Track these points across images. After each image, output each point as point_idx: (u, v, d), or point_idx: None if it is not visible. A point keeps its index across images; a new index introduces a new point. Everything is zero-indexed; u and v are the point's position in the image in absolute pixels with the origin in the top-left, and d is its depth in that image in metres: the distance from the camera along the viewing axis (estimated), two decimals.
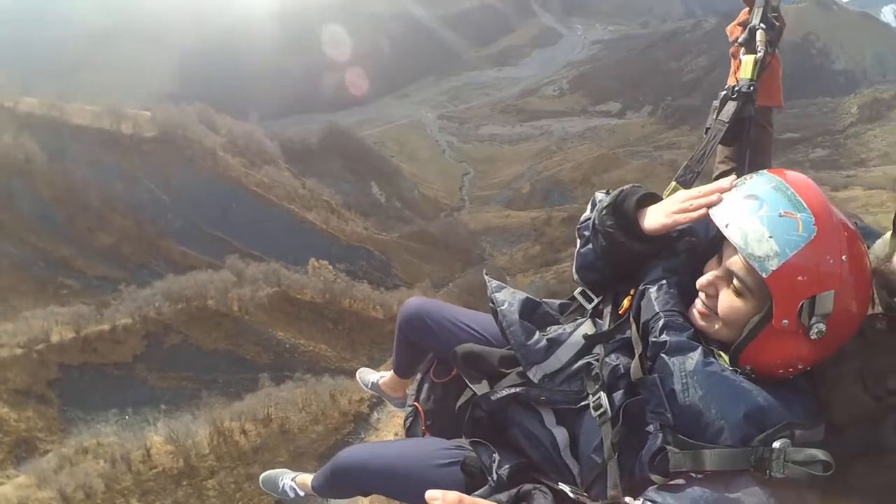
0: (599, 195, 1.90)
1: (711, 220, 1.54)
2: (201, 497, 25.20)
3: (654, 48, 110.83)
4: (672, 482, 1.42)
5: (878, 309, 1.55)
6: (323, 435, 29.73)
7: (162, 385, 34.09)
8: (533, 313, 1.93)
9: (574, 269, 1.93)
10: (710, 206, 1.56)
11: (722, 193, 1.56)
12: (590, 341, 1.75)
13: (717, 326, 1.55)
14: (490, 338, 2.14)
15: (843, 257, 1.39)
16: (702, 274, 1.60)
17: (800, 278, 1.37)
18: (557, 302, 2.03)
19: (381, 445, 2.40)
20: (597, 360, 1.69)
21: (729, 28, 2.27)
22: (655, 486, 1.45)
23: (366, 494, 2.37)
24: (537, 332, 1.82)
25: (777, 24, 2.11)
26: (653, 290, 1.65)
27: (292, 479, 2.99)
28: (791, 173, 1.51)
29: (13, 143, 47.00)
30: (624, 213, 1.74)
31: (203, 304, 37.92)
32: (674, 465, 1.42)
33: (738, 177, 1.63)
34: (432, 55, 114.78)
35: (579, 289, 1.95)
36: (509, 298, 1.92)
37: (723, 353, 1.54)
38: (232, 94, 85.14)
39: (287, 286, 42.31)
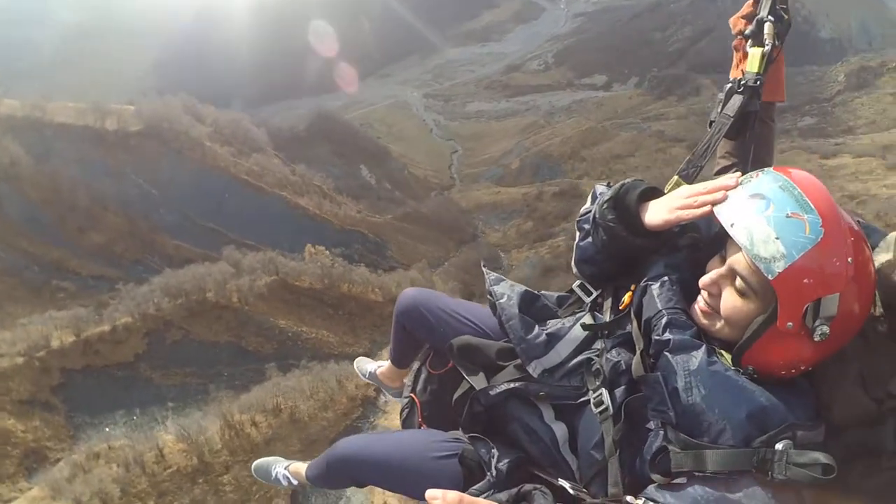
0: (600, 188, 1.90)
1: (716, 217, 1.53)
2: (218, 493, 25.12)
3: (639, 19, 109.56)
4: (673, 481, 1.43)
5: (879, 310, 1.54)
6: (333, 421, 29.80)
7: (167, 382, 33.87)
8: (531, 306, 1.93)
9: (573, 262, 1.92)
10: (714, 203, 1.55)
11: (727, 191, 1.54)
12: (590, 331, 1.76)
13: (718, 325, 1.55)
14: (487, 330, 2.15)
15: (849, 259, 1.38)
16: (704, 271, 1.60)
17: (806, 281, 1.37)
18: (556, 295, 2.03)
19: (378, 436, 2.44)
20: (597, 356, 1.70)
21: (732, 20, 2.22)
22: (656, 484, 1.47)
23: (361, 485, 2.37)
24: (537, 326, 1.83)
25: (786, 16, 2.07)
26: (655, 286, 1.65)
27: (285, 468, 3.00)
28: (797, 172, 1.49)
29: None
30: (626, 207, 1.72)
31: (202, 297, 37.62)
32: (675, 465, 1.44)
33: (741, 173, 1.63)
34: (414, 34, 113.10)
35: (578, 282, 1.94)
36: (508, 291, 1.92)
37: (724, 353, 1.54)
38: (213, 83, 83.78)
39: (285, 274, 42.12)
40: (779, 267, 1.37)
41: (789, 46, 2.17)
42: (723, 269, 1.53)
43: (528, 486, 1.61)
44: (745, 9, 2.18)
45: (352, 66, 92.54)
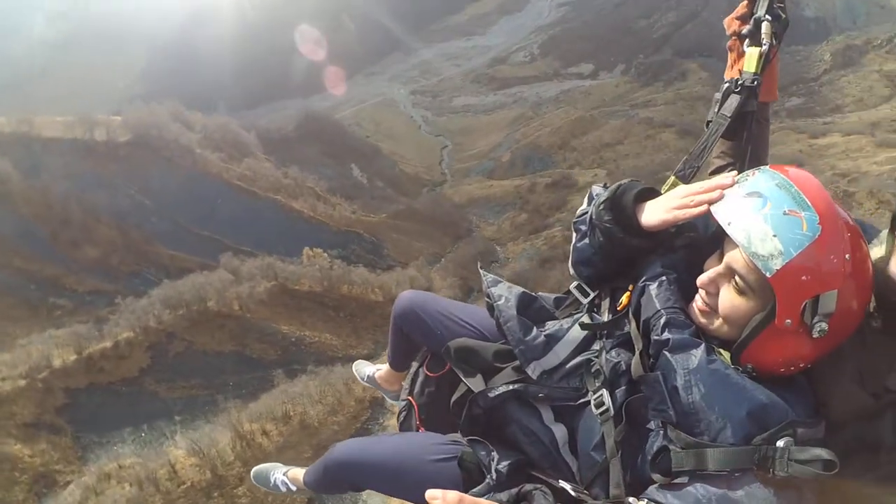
0: (597, 189, 1.88)
1: (713, 216, 1.52)
2: None
3: (623, 6, 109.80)
4: (674, 481, 1.43)
5: (873, 305, 1.56)
6: (344, 425, 29.74)
7: (173, 395, 33.46)
8: (529, 308, 1.92)
9: (570, 264, 1.92)
10: (711, 202, 1.55)
11: (723, 190, 1.54)
12: (588, 331, 1.75)
13: (716, 324, 1.55)
14: (484, 332, 2.14)
15: (847, 256, 1.39)
16: (701, 270, 1.59)
17: (804, 278, 1.37)
18: (553, 296, 2.01)
19: (375, 440, 2.43)
20: (596, 357, 1.69)
21: (726, 21, 2.22)
22: (657, 485, 1.46)
23: (359, 490, 2.36)
24: (535, 328, 1.82)
25: (783, 16, 2.07)
26: (653, 286, 1.65)
27: (284, 474, 2.98)
28: (793, 170, 1.50)
29: None
30: (622, 208, 1.72)
31: (203, 306, 37.42)
32: (676, 464, 1.43)
33: (737, 172, 1.64)
34: (397, 30, 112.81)
35: (575, 283, 1.94)
36: (506, 293, 1.91)
37: (723, 351, 1.54)
38: (198, 88, 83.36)
39: (284, 278, 42.01)
40: (776, 264, 1.37)
41: None
42: (720, 268, 1.53)
43: (528, 486, 1.60)
44: (740, 10, 2.18)
45: (336, 66, 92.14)
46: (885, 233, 1.58)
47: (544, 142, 79.86)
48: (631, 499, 1.45)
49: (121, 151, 50.32)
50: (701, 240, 1.72)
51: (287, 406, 29.82)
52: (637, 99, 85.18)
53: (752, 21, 2.05)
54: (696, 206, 1.59)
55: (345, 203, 60.90)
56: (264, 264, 42.37)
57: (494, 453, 1.79)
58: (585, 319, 1.78)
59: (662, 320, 1.57)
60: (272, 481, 3.02)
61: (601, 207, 1.75)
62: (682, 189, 1.69)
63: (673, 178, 1.88)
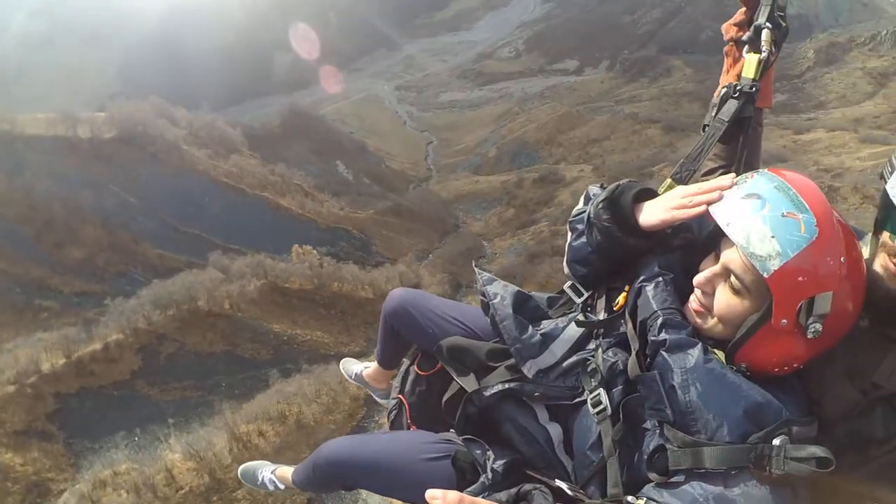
0: (594, 189, 1.90)
1: (711, 217, 1.55)
2: None
3: (608, 3, 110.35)
4: (671, 480, 1.45)
5: None
6: (340, 423, 29.56)
7: (166, 398, 32.77)
8: (524, 306, 1.93)
9: (565, 262, 1.92)
10: (710, 202, 1.57)
11: (722, 191, 1.57)
12: (584, 329, 1.77)
13: (711, 323, 1.58)
14: (477, 330, 2.14)
15: (843, 258, 1.43)
16: (697, 270, 1.61)
17: (800, 279, 1.40)
18: (546, 295, 2.03)
19: (366, 438, 2.43)
20: (592, 356, 1.71)
21: (724, 27, 2.22)
22: (653, 483, 1.48)
23: (349, 489, 2.34)
24: (531, 327, 1.83)
25: (783, 24, 2.07)
26: (650, 287, 1.66)
27: (272, 472, 2.97)
28: (791, 173, 1.53)
29: None
30: (621, 208, 1.74)
31: (194, 306, 36.83)
32: (673, 463, 1.45)
33: (735, 174, 1.67)
34: (382, 26, 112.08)
35: (569, 282, 1.95)
36: (501, 291, 1.92)
37: (717, 351, 1.56)
38: (179, 85, 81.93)
39: (275, 276, 41.55)
40: (774, 265, 1.40)
41: None
42: (717, 268, 1.55)
43: (527, 487, 1.60)
44: (738, 16, 2.20)
45: (322, 62, 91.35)
46: (868, 235, 1.63)
47: (531, 137, 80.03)
48: (630, 497, 1.47)
49: (105, 149, 49.20)
50: (697, 241, 1.75)
51: (282, 406, 29.53)
52: (622, 95, 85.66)
53: (752, 28, 2.06)
54: (694, 206, 1.61)
55: (332, 200, 60.55)
56: (254, 262, 41.87)
57: (490, 452, 1.78)
58: (581, 318, 1.79)
59: (659, 321, 1.57)
60: (260, 479, 3.00)
61: (600, 206, 1.76)
62: (681, 190, 1.71)
63: (669, 180, 1.89)
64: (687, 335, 1.54)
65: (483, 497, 1.65)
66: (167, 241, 48.20)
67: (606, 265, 1.82)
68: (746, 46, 2.05)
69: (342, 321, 41.66)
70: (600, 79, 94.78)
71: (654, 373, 1.52)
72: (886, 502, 1.50)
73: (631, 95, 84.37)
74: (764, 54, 2.01)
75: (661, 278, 1.66)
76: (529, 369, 1.75)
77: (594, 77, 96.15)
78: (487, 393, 1.81)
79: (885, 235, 1.53)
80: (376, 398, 3.17)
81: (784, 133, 59.37)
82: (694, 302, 1.60)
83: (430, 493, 1.21)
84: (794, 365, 1.51)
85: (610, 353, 1.66)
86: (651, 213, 1.70)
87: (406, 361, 2.47)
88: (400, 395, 2.39)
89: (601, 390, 1.63)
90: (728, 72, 2.17)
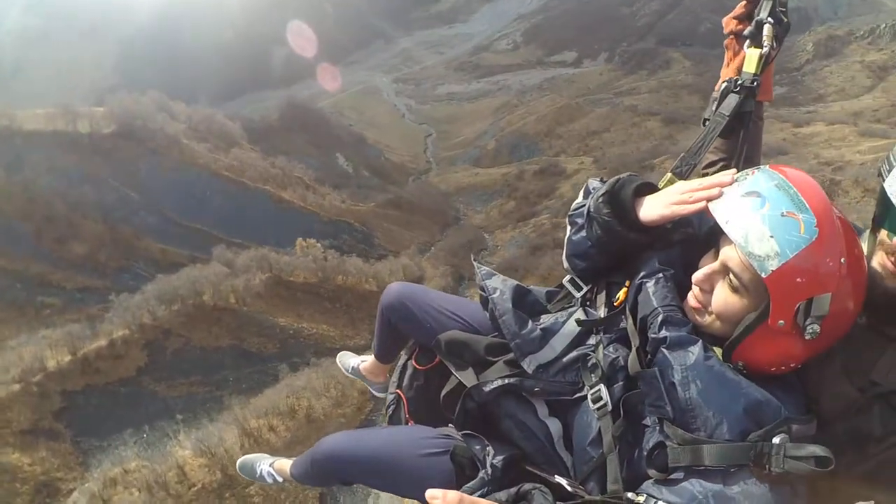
0: (594, 182, 1.89)
1: (710, 214, 1.53)
2: None
3: None
4: (670, 477, 1.44)
5: None
6: (350, 417, 29.56)
7: (173, 394, 32.48)
8: (523, 301, 1.91)
9: (564, 257, 1.90)
10: (709, 199, 1.54)
11: (722, 188, 1.54)
12: (584, 327, 1.74)
13: (709, 320, 1.56)
14: (475, 325, 2.12)
15: (842, 259, 1.40)
16: (696, 266, 1.60)
17: (799, 280, 1.38)
18: (545, 290, 2.01)
19: (364, 433, 2.41)
20: (593, 352, 1.69)
21: (725, 20, 2.19)
22: (652, 480, 1.46)
23: (348, 484, 2.30)
24: (530, 322, 1.80)
25: (785, 19, 2.05)
26: (650, 284, 1.65)
27: (270, 465, 2.95)
28: (792, 171, 1.50)
29: None
30: (621, 202, 1.72)
31: (199, 300, 36.66)
32: (672, 460, 1.44)
33: (736, 169, 1.66)
34: (379, 18, 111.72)
35: (568, 277, 1.93)
36: (500, 286, 1.89)
37: (714, 348, 1.54)
38: (176, 79, 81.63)
39: (279, 270, 41.50)
40: (772, 265, 1.38)
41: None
42: (716, 265, 1.53)
43: (527, 486, 1.56)
44: (738, 10, 2.16)
45: (318, 55, 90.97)
46: (867, 232, 1.62)
47: (530, 129, 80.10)
48: (629, 494, 1.45)
49: (106, 143, 48.90)
50: (696, 236, 1.72)
51: (292, 400, 29.50)
52: (621, 87, 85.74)
53: (753, 23, 2.02)
54: (694, 202, 1.58)
55: (333, 192, 60.49)
56: (258, 256, 41.77)
57: (489, 448, 1.76)
58: (580, 315, 1.77)
59: (660, 318, 1.56)
60: (258, 472, 2.97)
61: (600, 200, 1.73)
62: (681, 185, 1.69)
63: (670, 174, 1.86)
64: (687, 332, 1.53)
65: (483, 495, 1.64)
66: (169, 235, 48.09)
67: (606, 259, 1.79)
68: (747, 41, 2.03)
69: (347, 314, 41.60)
70: (599, 71, 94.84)
71: (655, 369, 1.51)
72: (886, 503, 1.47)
73: (630, 87, 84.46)
74: (765, 49, 1.98)
75: (661, 274, 1.64)
76: (529, 364, 1.72)
77: (593, 69, 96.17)
78: (487, 388, 1.78)
79: (883, 233, 1.51)
80: (373, 392, 3.12)
81: (784, 126, 59.56)
82: (692, 298, 1.58)
83: (430, 493, 1.20)
84: (792, 365, 1.49)
85: (611, 349, 1.65)
86: (651, 208, 1.67)
87: (404, 356, 2.43)
88: (398, 390, 2.35)
89: (602, 386, 1.61)
90: (728, 65, 2.15)
